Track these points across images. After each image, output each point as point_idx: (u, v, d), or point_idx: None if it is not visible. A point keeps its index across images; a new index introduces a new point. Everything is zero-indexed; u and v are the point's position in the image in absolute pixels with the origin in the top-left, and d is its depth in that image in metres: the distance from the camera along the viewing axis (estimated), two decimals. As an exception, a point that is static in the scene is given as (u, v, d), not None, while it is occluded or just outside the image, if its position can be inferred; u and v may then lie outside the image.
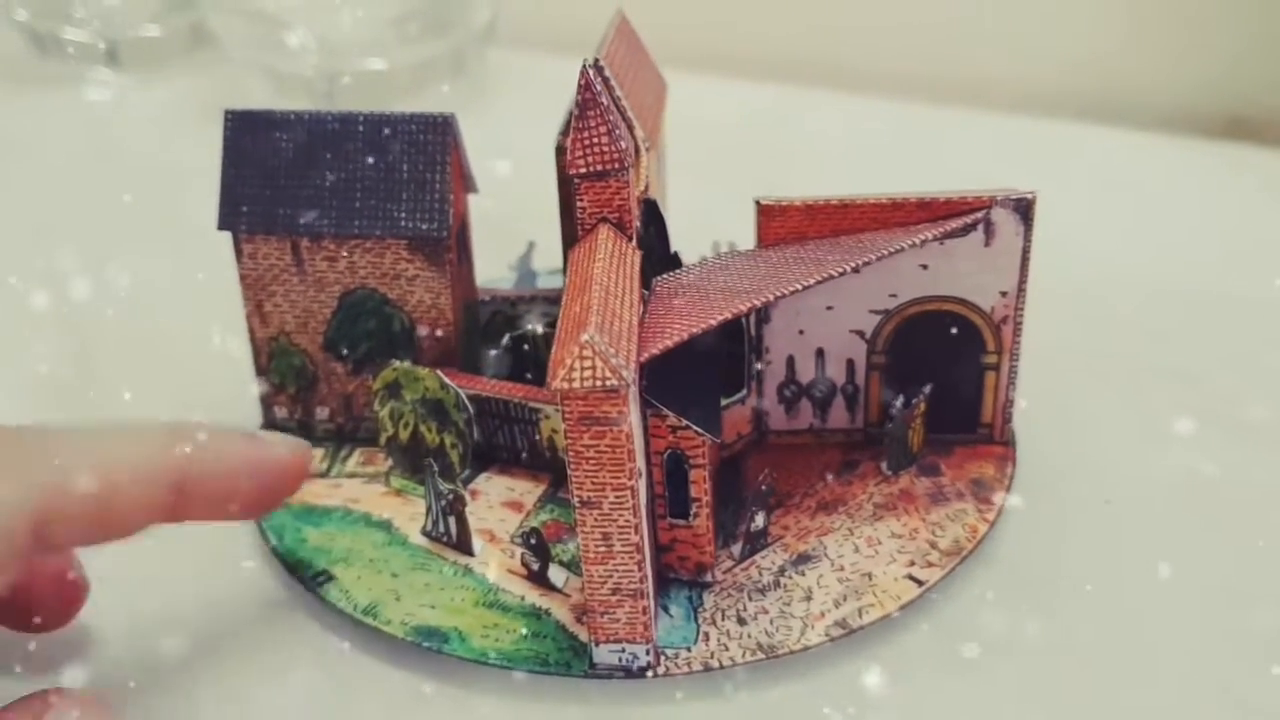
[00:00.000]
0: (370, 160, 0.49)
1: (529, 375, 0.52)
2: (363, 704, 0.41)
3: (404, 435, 0.50)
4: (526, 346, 0.51)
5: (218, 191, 0.49)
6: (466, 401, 0.48)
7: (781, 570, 0.45)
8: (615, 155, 0.42)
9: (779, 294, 0.41)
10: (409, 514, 0.48)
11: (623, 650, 0.40)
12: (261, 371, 0.52)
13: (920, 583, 0.44)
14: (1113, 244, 0.66)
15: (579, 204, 0.43)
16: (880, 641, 0.42)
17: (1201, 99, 0.78)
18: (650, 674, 0.40)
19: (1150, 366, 0.56)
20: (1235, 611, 0.43)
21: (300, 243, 0.49)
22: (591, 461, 0.37)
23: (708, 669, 0.41)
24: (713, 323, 0.39)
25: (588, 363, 0.36)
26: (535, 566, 0.44)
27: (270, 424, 0.53)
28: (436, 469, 0.46)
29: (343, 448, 0.52)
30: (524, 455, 0.50)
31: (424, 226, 0.48)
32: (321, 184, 0.49)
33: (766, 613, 0.43)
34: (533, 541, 0.44)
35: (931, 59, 0.81)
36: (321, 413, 0.52)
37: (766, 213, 0.47)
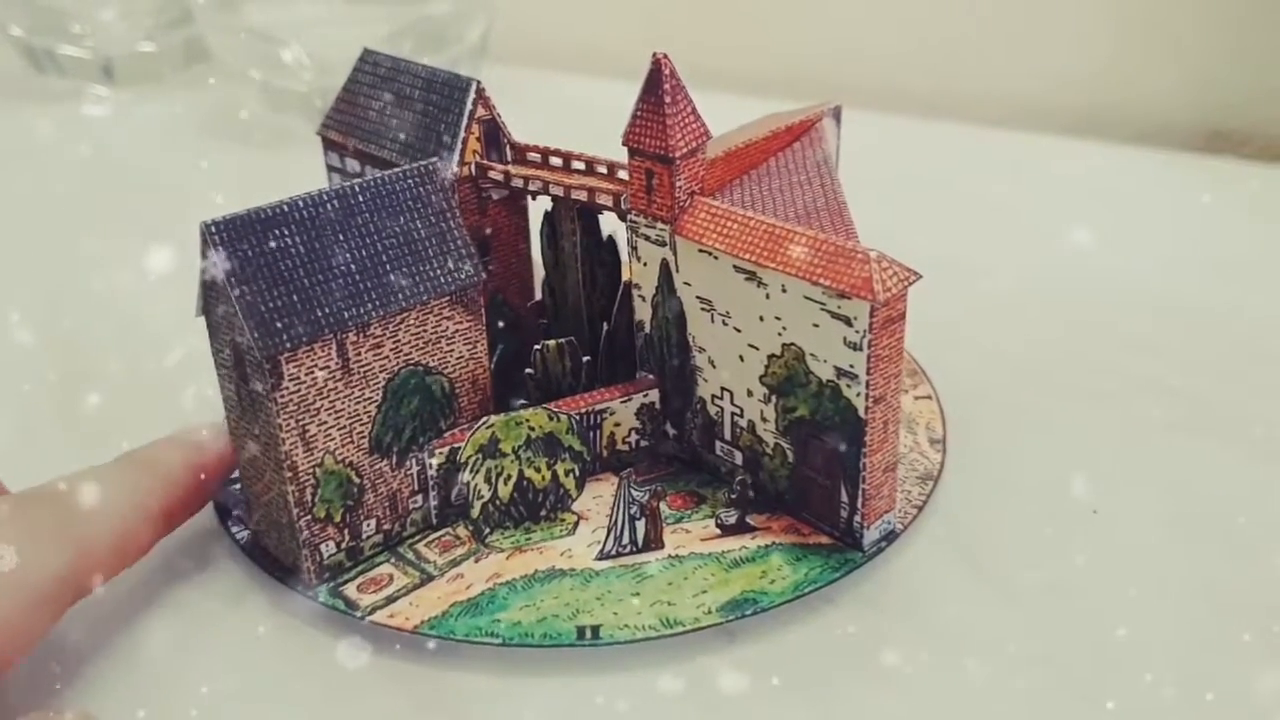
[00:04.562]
0: (385, 227, 0.45)
1: (527, 387, 0.52)
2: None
3: (505, 491, 0.48)
4: (531, 370, 0.51)
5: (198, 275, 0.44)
6: (577, 423, 0.48)
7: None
8: (703, 130, 0.46)
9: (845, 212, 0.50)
10: (560, 555, 0.47)
11: (883, 522, 0.47)
12: (306, 510, 0.45)
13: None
14: (1095, 255, 0.67)
15: (677, 183, 0.46)
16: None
17: (1182, 114, 0.79)
18: (901, 529, 0.48)
19: (1131, 376, 0.57)
20: (1220, 619, 0.43)
21: (346, 340, 0.44)
22: (884, 359, 0.44)
23: (921, 509, 0.49)
24: (855, 229, 0.47)
25: (889, 270, 0.42)
26: (732, 520, 0.48)
27: (318, 566, 0.46)
28: (631, 480, 0.46)
29: (395, 554, 0.48)
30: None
31: (462, 276, 0.47)
32: (348, 268, 0.44)
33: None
34: (733, 496, 0.48)
35: (921, 75, 0.81)
36: (368, 527, 0.47)
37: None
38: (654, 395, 0.51)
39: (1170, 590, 0.45)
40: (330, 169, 0.58)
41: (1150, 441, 0.52)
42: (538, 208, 0.54)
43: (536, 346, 0.51)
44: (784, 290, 0.44)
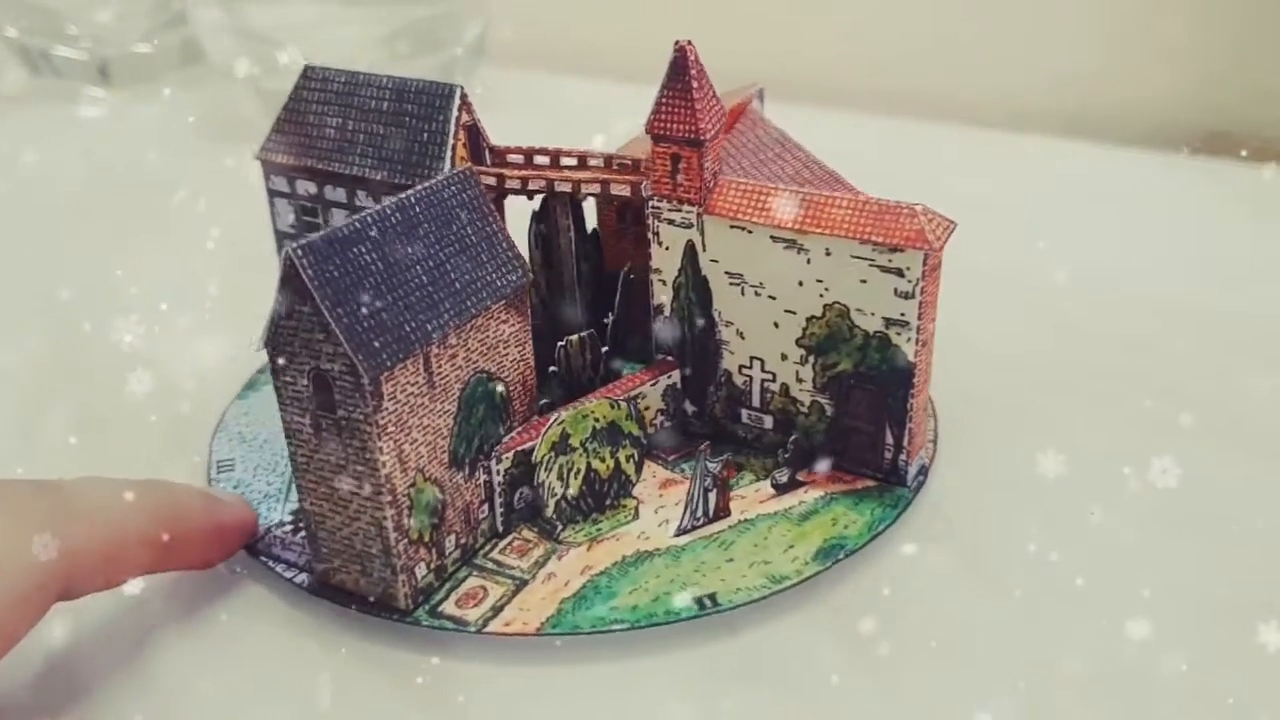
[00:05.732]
0: (444, 235, 0.45)
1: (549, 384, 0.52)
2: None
3: (575, 485, 0.48)
4: (554, 368, 0.52)
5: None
6: (638, 407, 0.49)
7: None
8: (723, 111, 0.49)
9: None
10: (637, 539, 0.48)
11: (918, 459, 0.51)
12: (404, 534, 0.44)
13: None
14: (1092, 256, 0.67)
15: (704, 165, 0.48)
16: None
17: (1179, 114, 0.79)
18: (928, 463, 0.52)
19: (1128, 376, 0.56)
20: (1219, 622, 0.43)
21: (430, 352, 0.43)
22: (929, 304, 0.48)
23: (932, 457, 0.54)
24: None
25: (934, 220, 0.46)
26: (784, 479, 0.51)
27: (414, 590, 0.45)
28: (706, 454, 0.48)
29: (475, 566, 0.47)
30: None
31: (513, 278, 0.47)
32: (422, 281, 0.43)
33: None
34: (785, 455, 0.51)
35: (918, 77, 0.79)
36: (449, 544, 0.46)
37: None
38: (675, 376, 0.52)
39: (1168, 592, 0.45)
40: (274, 194, 0.56)
41: (1147, 442, 0.51)
42: (514, 209, 0.54)
43: (560, 343, 0.51)
44: (828, 253, 0.47)
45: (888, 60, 0.78)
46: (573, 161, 0.52)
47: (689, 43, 0.47)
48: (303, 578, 0.46)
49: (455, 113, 0.51)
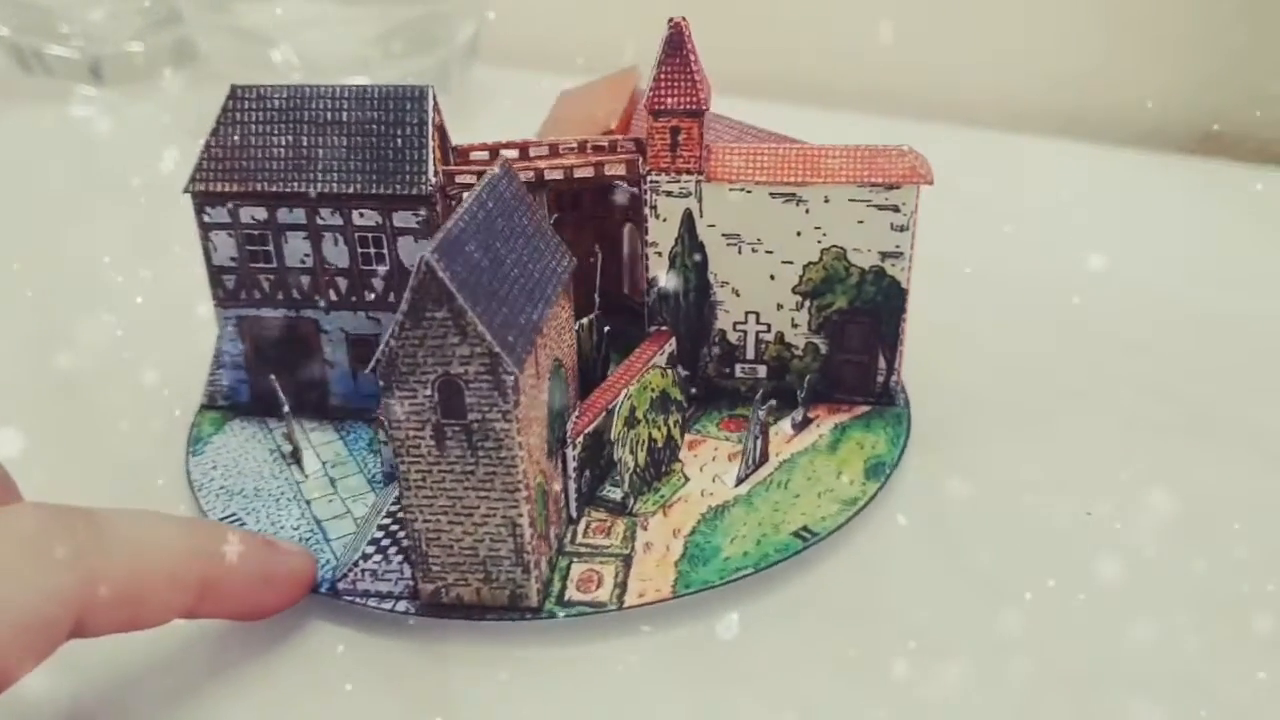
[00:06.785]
0: (514, 228, 0.45)
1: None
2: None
3: (642, 457, 0.50)
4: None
5: None
6: (679, 375, 0.51)
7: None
8: (709, 84, 0.52)
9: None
10: (702, 497, 0.51)
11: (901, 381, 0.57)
12: (536, 530, 0.44)
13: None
14: (1089, 256, 0.66)
15: (704, 135, 0.51)
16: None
17: (1176, 116, 0.79)
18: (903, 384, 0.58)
19: (1125, 377, 0.56)
20: (1216, 624, 0.43)
21: (538, 343, 0.44)
22: (915, 233, 0.53)
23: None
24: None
25: (918, 158, 0.52)
26: (800, 419, 0.55)
27: (543, 586, 0.45)
28: (759, 402, 0.51)
29: (569, 554, 0.48)
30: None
31: (566, 263, 0.48)
32: (515, 274, 0.43)
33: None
34: (803, 395, 0.54)
35: (917, 77, 0.76)
36: (553, 535, 0.47)
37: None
38: (673, 342, 0.55)
39: (1166, 593, 0.45)
40: (210, 227, 0.53)
41: (1142, 443, 0.52)
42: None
43: (573, 328, 0.52)
44: (826, 200, 0.51)
45: (887, 60, 0.78)
46: (543, 150, 0.53)
47: (683, 18, 0.49)
48: (404, 605, 0.44)
49: (430, 114, 0.50)
